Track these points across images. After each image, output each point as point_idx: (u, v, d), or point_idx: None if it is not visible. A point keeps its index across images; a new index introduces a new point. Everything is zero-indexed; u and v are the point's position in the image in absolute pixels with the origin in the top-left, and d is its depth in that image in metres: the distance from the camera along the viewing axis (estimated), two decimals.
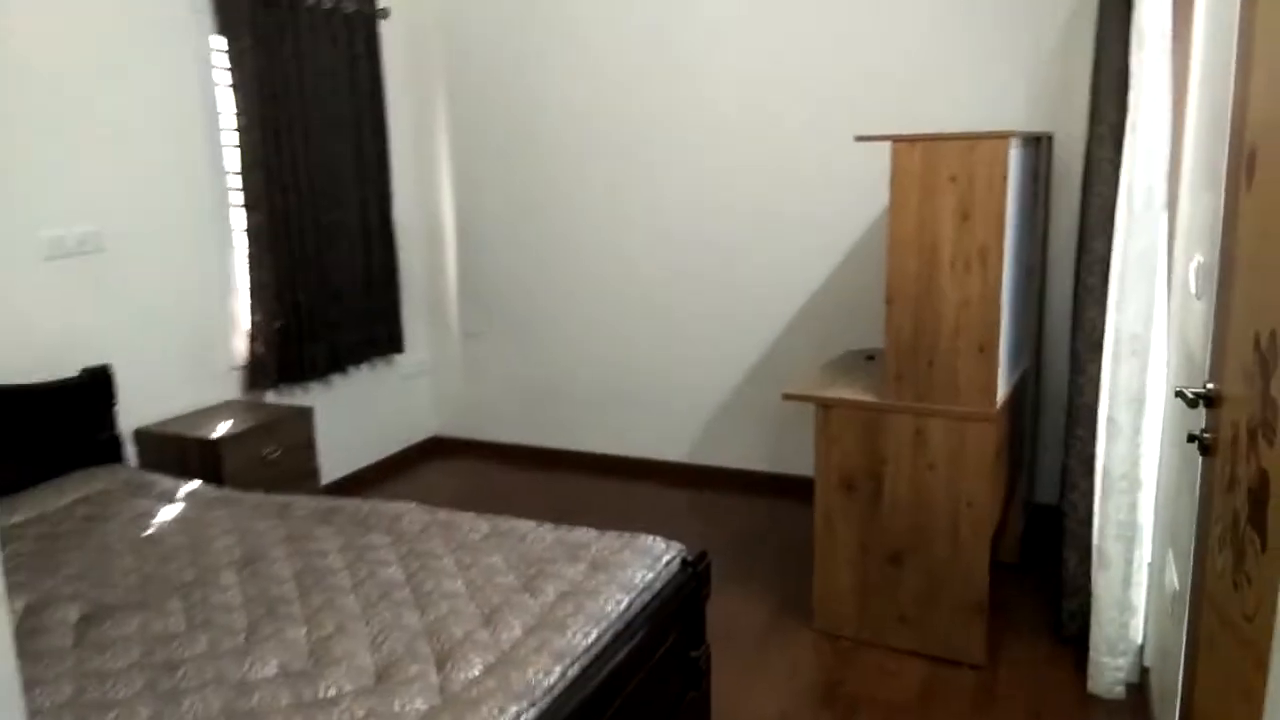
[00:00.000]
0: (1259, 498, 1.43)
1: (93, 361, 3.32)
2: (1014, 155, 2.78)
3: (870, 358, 3.55)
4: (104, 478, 3.10)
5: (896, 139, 2.80)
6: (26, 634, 2.13)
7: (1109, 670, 2.71)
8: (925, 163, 2.77)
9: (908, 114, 3.84)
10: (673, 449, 4.62)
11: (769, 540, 3.90)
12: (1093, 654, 2.73)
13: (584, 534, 2.59)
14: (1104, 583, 2.66)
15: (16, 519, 2.77)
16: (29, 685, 1.90)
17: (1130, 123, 2.46)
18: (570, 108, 4.53)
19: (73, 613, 2.23)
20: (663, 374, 4.58)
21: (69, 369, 3.24)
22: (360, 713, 1.79)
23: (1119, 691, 2.72)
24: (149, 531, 2.74)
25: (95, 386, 3.29)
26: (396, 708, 1.81)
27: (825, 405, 3.04)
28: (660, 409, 4.62)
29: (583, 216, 4.62)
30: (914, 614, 3.00)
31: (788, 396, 3.16)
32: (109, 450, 3.32)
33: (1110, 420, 2.60)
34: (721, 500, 4.35)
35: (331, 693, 1.88)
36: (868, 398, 3.00)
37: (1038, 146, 3.44)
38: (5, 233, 3.08)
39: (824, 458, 3.07)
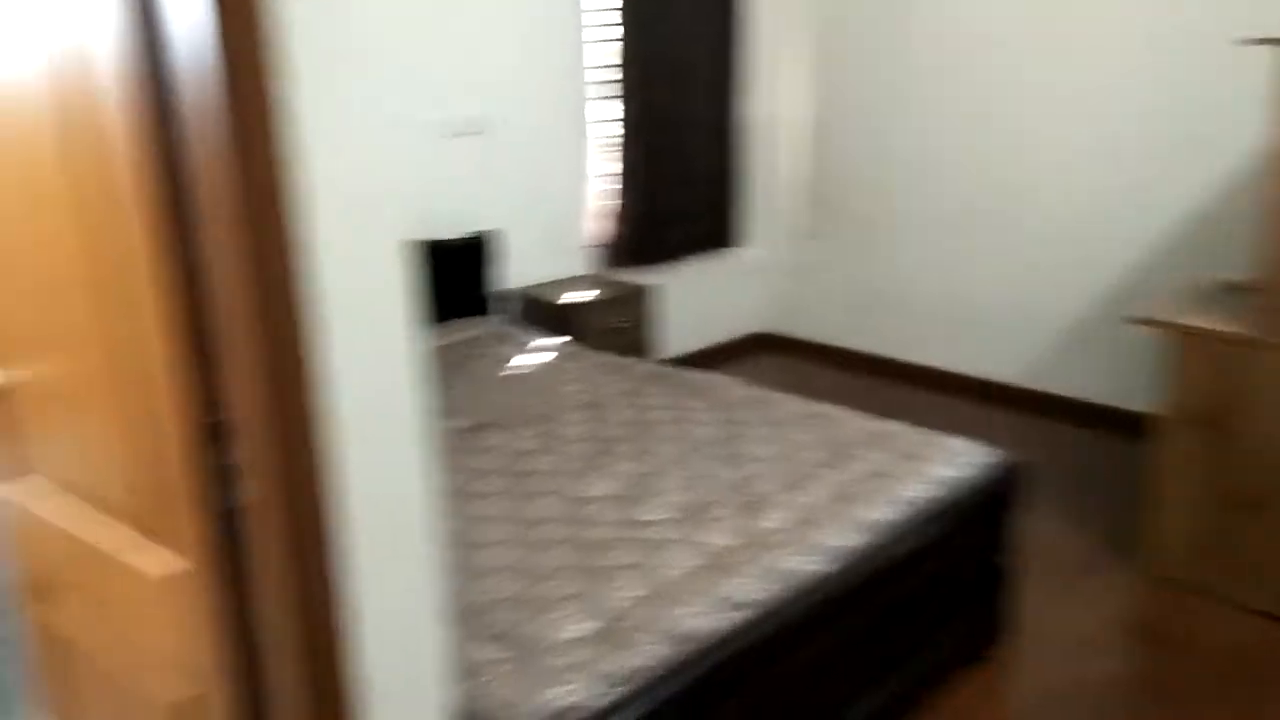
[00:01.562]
0: None
1: (478, 229, 3.84)
2: None
3: (1234, 287, 3.16)
4: (481, 326, 3.63)
5: None
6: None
7: None
8: None
9: None
10: (1003, 369, 4.44)
11: (1096, 473, 3.68)
12: None
13: (894, 426, 2.65)
14: None
15: None
16: None
17: None
18: (941, 16, 4.36)
19: (461, 423, 2.70)
20: (1003, 291, 4.39)
21: (456, 233, 3.78)
22: (673, 536, 2.04)
23: None
24: (514, 372, 3.20)
25: (479, 249, 3.82)
26: (702, 539, 2.03)
27: (1179, 333, 2.79)
28: (995, 327, 4.44)
29: (941, 126, 4.46)
30: (1269, 570, 2.72)
31: (1134, 321, 2.94)
32: (487, 304, 3.86)
33: None
34: (1049, 426, 4.14)
35: (649, 517, 2.14)
36: (1231, 328, 2.71)
37: None
38: (416, 112, 3.63)
39: (1172, 390, 2.83)
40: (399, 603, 1.14)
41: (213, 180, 0.97)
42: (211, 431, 1.06)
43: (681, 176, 4.54)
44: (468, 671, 1.55)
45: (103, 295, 1.15)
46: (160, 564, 1.18)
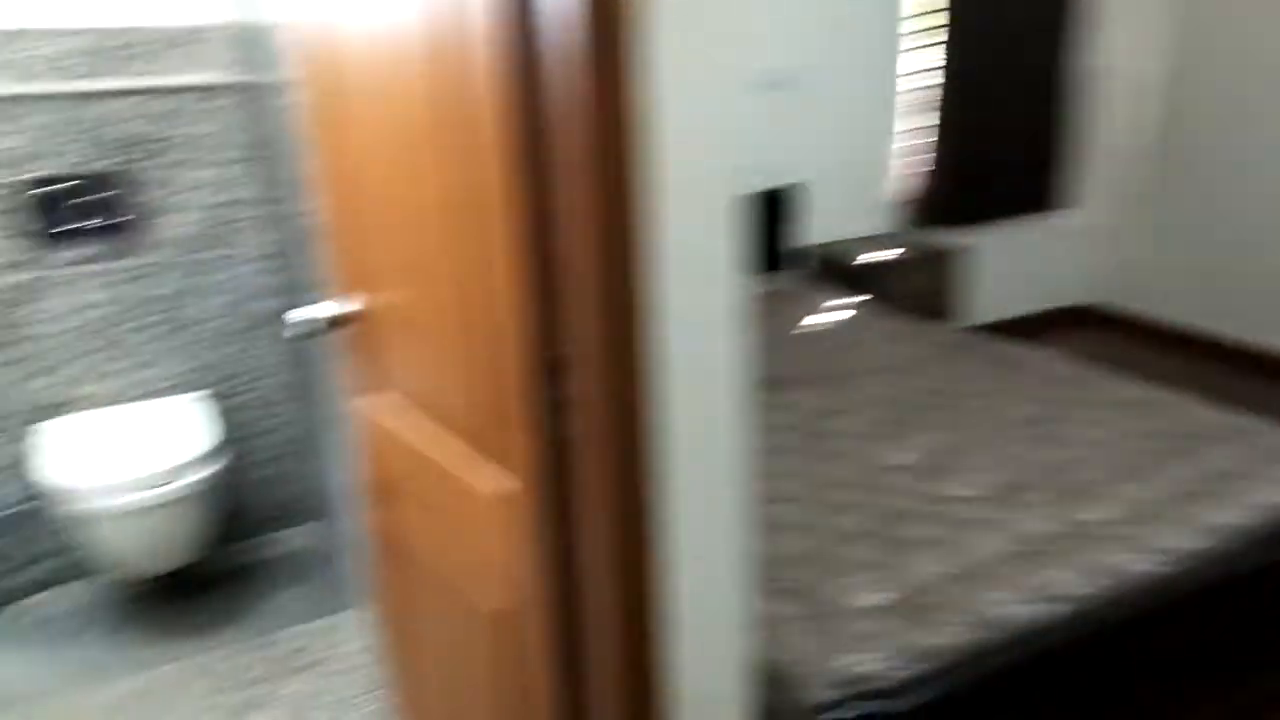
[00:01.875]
0: None
1: (777, 183, 3.77)
2: None
3: None
4: (780, 280, 3.59)
5: None
6: None
7: None
8: None
9: None
10: None
11: None
12: None
13: (1249, 420, 2.31)
14: None
15: None
16: None
17: None
18: None
19: (757, 378, 2.70)
20: None
21: (756, 188, 3.74)
22: (981, 515, 1.91)
23: None
24: (813, 329, 3.14)
25: (777, 204, 3.76)
26: (1016, 523, 1.88)
27: None
28: None
29: None
30: None
31: None
32: (789, 258, 3.81)
33: None
34: None
35: (954, 493, 2.02)
36: None
37: None
38: (737, 66, 3.61)
39: None
40: (708, 539, 1.15)
41: (568, 126, 1.00)
42: (548, 364, 1.11)
43: (1003, 130, 4.21)
44: (761, 622, 1.54)
45: (457, 231, 1.24)
46: (492, 481, 1.26)
